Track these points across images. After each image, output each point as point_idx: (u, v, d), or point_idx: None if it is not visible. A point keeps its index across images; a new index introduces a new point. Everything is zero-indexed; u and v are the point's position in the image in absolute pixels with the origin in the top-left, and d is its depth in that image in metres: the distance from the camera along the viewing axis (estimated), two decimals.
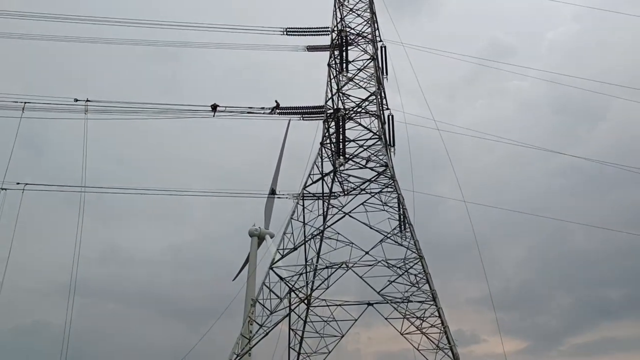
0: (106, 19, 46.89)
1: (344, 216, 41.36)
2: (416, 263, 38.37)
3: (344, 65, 46.00)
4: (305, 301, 40.34)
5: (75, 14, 46.68)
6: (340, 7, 49.46)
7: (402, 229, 40.88)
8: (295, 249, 40.35)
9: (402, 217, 41.04)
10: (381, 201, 41.98)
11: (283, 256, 40.38)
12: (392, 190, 41.84)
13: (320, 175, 43.16)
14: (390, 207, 41.69)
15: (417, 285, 37.85)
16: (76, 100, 42.55)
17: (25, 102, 41.67)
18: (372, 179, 42.57)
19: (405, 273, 38.32)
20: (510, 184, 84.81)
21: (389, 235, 39.92)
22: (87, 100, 42.67)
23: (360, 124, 45.02)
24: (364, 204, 41.52)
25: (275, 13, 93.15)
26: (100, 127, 46.72)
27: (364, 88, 46.16)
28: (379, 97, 46.11)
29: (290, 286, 39.22)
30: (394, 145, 46.19)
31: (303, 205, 42.18)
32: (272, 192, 45.88)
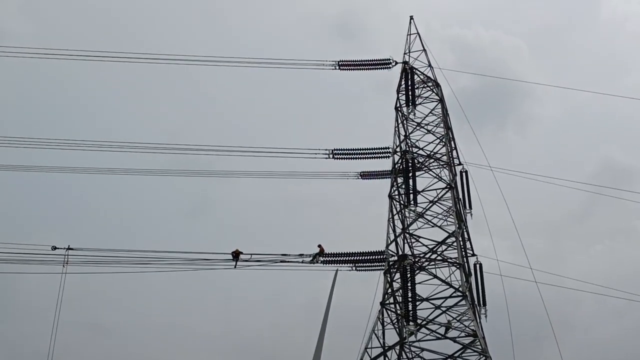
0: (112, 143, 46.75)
1: None
2: None
3: (411, 196, 43.94)
4: None
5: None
6: (405, 122, 48.52)
7: None
8: None
9: None
10: None
11: None
12: None
13: (381, 350, 40.44)
14: None
15: None
16: (54, 248, 41.01)
17: None
18: (456, 355, 39.70)
19: None
20: None
21: None
22: (69, 249, 41.06)
23: (435, 277, 42.52)
24: None
25: (319, 132, 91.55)
26: (78, 281, 44.02)
27: (440, 227, 44.50)
28: (460, 238, 44.02)
29: None
30: (484, 305, 44.17)
31: None
32: None
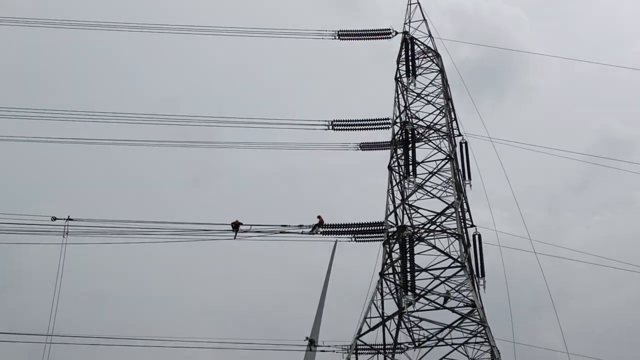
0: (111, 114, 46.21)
1: None
2: None
3: (411, 167, 44.02)
4: None
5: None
6: (404, 93, 48.11)
7: None
8: None
9: None
10: (467, 356, 39.98)
11: None
12: (483, 340, 39.18)
13: (380, 319, 40.67)
14: None
15: None
16: (54, 219, 41.15)
17: None
18: (454, 325, 40.11)
19: None
20: None
21: None
22: (68, 219, 41.21)
23: (434, 247, 42.53)
24: None
25: (318, 103, 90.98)
26: (79, 252, 43.68)
27: (439, 198, 44.45)
28: (459, 209, 44.00)
29: None
30: (483, 275, 44.01)
31: None
32: (311, 343, 41.23)
